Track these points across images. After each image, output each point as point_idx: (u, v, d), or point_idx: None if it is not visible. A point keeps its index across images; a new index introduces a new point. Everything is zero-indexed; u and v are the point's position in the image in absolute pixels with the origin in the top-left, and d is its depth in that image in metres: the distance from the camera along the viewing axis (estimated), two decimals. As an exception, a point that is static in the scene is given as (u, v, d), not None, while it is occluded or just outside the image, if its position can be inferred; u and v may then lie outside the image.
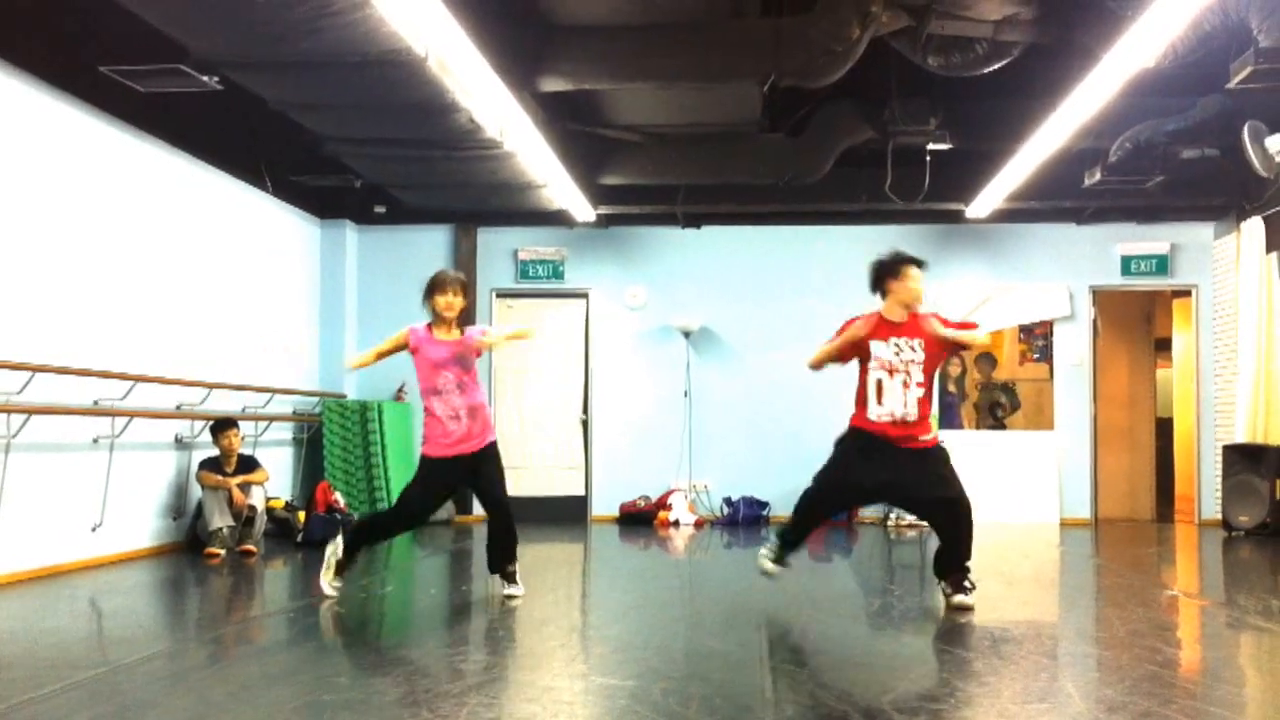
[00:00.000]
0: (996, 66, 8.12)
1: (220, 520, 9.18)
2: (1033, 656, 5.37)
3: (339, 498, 10.84)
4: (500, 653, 5.53)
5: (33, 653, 5.42)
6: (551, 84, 8.25)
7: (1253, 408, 11.30)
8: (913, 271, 6.64)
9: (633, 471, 12.69)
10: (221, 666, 5.30)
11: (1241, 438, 11.42)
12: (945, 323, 6.68)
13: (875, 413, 6.55)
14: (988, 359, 12.88)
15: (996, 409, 12.82)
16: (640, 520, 12.28)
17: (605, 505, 12.73)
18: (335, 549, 6.99)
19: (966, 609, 6.50)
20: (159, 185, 9.35)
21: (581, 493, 12.84)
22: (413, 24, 6.41)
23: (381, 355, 7.09)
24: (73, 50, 7.48)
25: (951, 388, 12.81)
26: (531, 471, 12.86)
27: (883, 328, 6.64)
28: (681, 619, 6.58)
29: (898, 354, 6.56)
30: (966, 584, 6.60)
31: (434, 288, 6.96)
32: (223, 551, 9.07)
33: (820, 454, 12.71)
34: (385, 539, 7.66)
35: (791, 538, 6.98)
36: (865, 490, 7.02)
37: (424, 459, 6.93)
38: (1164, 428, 13.81)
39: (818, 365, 6.90)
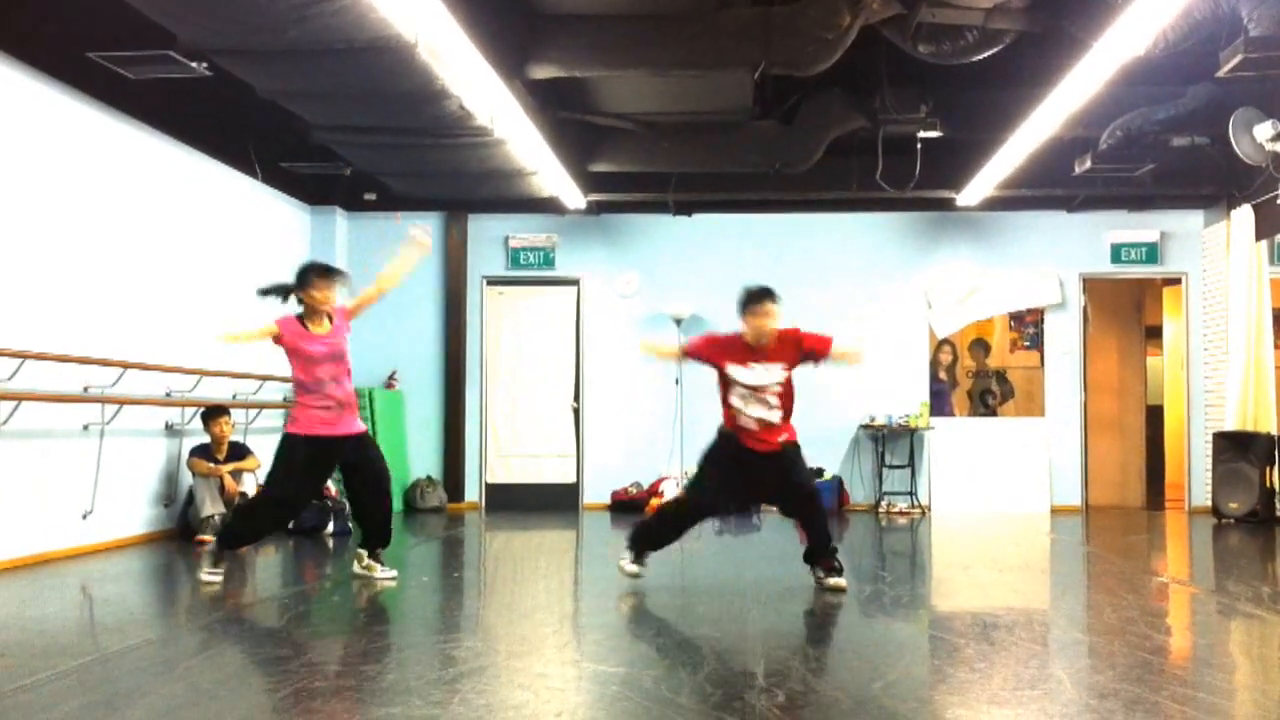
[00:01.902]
0: (987, 55, 8.10)
1: (211, 508, 9.17)
2: (1024, 643, 5.39)
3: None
4: (492, 640, 5.53)
5: (23, 641, 5.41)
6: (542, 71, 8.23)
7: (1242, 395, 11.33)
8: (768, 308, 6.85)
9: (624, 459, 12.70)
10: (212, 654, 5.30)
11: (1231, 425, 11.45)
12: (807, 339, 7.04)
13: (741, 420, 6.86)
14: (980, 346, 12.90)
15: (988, 396, 12.84)
16: (632, 508, 12.28)
17: (596, 493, 12.74)
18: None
19: (841, 590, 6.75)
20: (149, 172, 9.31)
21: (573, 480, 12.84)
22: (402, 10, 6.38)
23: (249, 340, 7.16)
24: (61, 36, 7.44)
25: (942, 375, 12.84)
26: (522, 459, 12.87)
27: (742, 352, 6.88)
28: (673, 606, 6.59)
29: (757, 378, 6.83)
30: (835, 564, 6.91)
31: (307, 280, 6.99)
32: (214, 539, 9.05)
33: (811, 442, 12.76)
34: (263, 534, 7.57)
35: (653, 545, 7.24)
36: (739, 498, 7.48)
37: (295, 438, 6.91)
38: (1154, 415, 13.85)
39: (650, 353, 7.36)
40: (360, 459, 7.06)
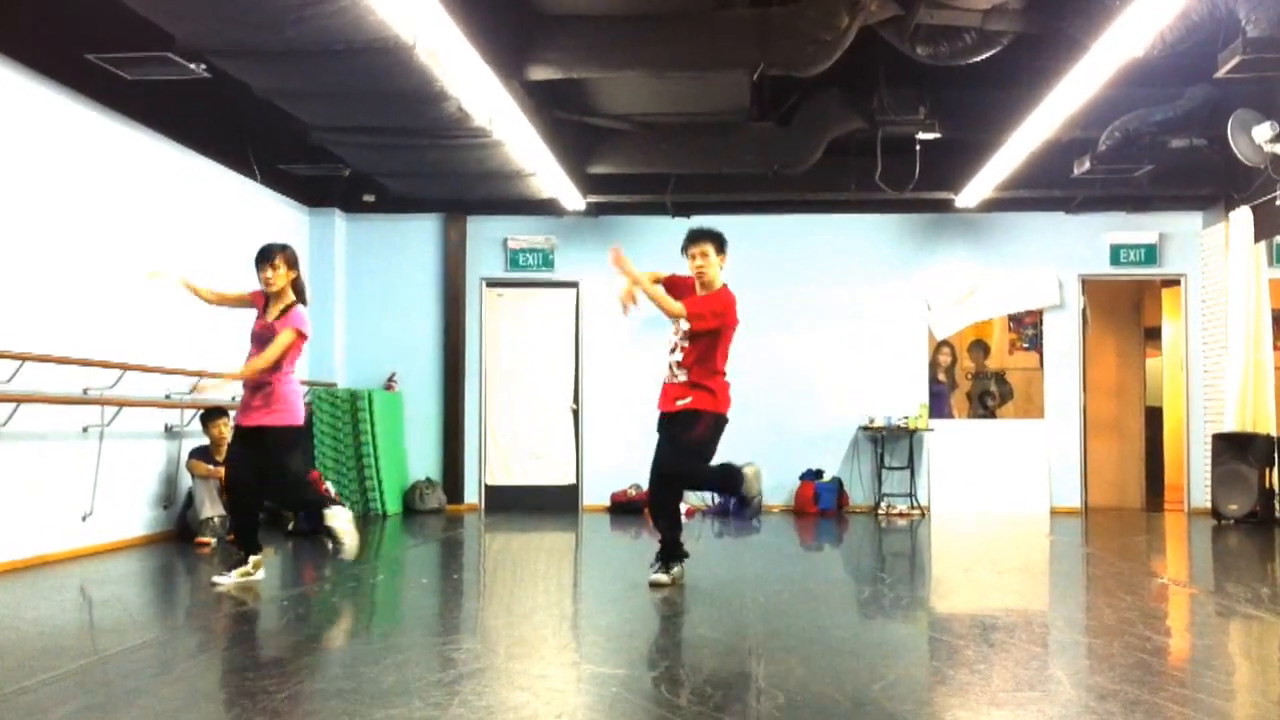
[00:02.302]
0: (985, 56, 8.11)
1: (211, 509, 9.17)
2: (1023, 644, 5.39)
3: (330, 487, 10.82)
4: (491, 641, 5.53)
5: (22, 642, 5.40)
6: (540, 72, 8.23)
7: (1241, 396, 11.33)
8: (691, 250, 7.14)
9: (624, 460, 12.68)
10: (211, 655, 5.29)
11: (1230, 426, 11.45)
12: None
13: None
14: (979, 347, 12.91)
15: (987, 398, 12.84)
16: (631, 509, 12.28)
17: (596, 494, 12.74)
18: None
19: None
20: (147, 173, 9.31)
21: (573, 482, 12.83)
22: (400, 12, 6.38)
23: (223, 300, 7.38)
24: (59, 37, 7.44)
25: (942, 377, 12.84)
26: (522, 461, 12.87)
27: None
28: (672, 608, 6.58)
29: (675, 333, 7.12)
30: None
31: (256, 261, 7.00)
32: (213, 541, 9.06)
33: (811, 443, 12.74)
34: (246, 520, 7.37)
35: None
36: None
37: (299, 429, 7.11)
38: (1153, 416, 13.84)
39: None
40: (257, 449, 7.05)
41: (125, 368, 8.60)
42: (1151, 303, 13.94)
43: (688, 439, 6.81)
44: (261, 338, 6.91)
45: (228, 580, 6.96)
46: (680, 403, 6.85)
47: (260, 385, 6.89)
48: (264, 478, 7.00)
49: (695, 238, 7.00)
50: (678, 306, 6.82)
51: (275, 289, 6.96)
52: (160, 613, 6.85)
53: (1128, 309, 13.64)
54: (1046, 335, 12.74)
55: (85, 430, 8.38)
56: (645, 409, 12.71)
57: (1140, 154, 10.15)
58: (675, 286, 7.05)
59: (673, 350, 7.04)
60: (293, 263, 7.07)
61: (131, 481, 9.07)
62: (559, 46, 8.14)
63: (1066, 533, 10.65)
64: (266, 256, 6.94)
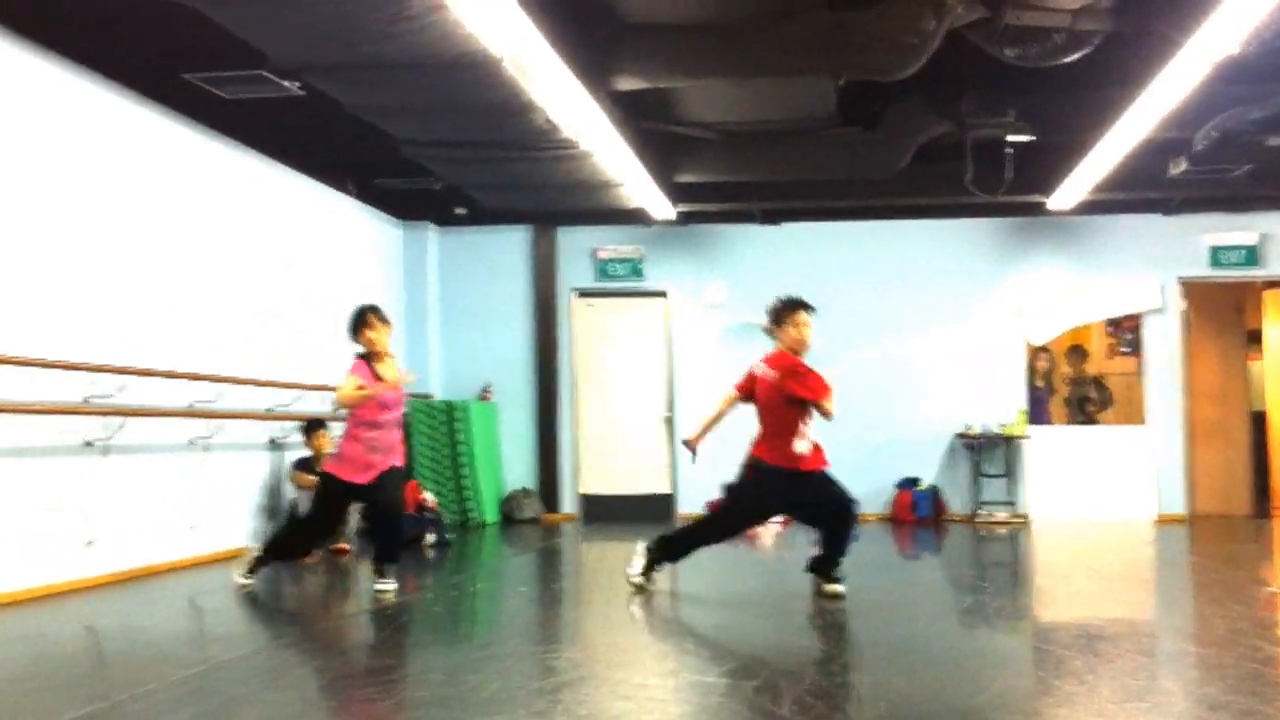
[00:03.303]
0: (1075, 56, 7.99)
1: (312, 520, 9.30)
2: (1130, 654, 5.29)
3: (428, 496, 10.93)
4: (591, 650, 5.56)
5: (133, 651, 5.54)
6: (626, 83, 8.26)
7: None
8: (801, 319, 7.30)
9: (719, 469, 12.61)
10: (316, 664, 5.39)
11: (1339, 430, 11.14)
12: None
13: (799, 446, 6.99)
14: (1077, 352, 12.70)
15: (1086, 404, 12.63)
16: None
17: (691, 503, 12.71)
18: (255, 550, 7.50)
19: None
20: (245, 191, 9.52)
21: (668, 491, 12.84)
22: (488, 26, 6.44)
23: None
24: (156, 58, 7.62)
25: (1039, 382, 12.65)
26: (616, 470, 12.90)
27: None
28: (770, 616, 6.56)
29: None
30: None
31: (361, 322, 7.16)
32: (317, 550, 9.20)
33: (907, 450, 12.63)
34: (296, 555, 7.79)
35: (675, 556, 7.33)
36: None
37: (332, 478, 7.08)
38: (1258, 421, 13.50)
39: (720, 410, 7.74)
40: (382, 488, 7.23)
41: (228, 381, 8.78)
42: (1253, 305, 13.60)
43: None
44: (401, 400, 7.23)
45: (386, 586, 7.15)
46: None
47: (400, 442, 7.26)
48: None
49: (804, 308, 7.30)
50: (829, 406, 7.06)
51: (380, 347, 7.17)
52: (266, 622, 6.97)
53: (1229, 311, 13.32)
54: (1146, 339, 12.50)
55: (190, 443, 8.57)
56: (738, 419, 12.73)
57: (1238, 153, 9.92)
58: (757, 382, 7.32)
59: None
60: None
61: (236, 493, 9.25)
62: (644, 56, 8.15)
63: (1171, 540, 10.43)
64: (376, 315, 7.17)
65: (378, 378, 6.98)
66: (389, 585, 7.07)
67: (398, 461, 7.18)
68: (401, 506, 7.59)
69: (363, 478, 6.93)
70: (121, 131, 8.01)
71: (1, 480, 6.80)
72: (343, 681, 4.88)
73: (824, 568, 6.89)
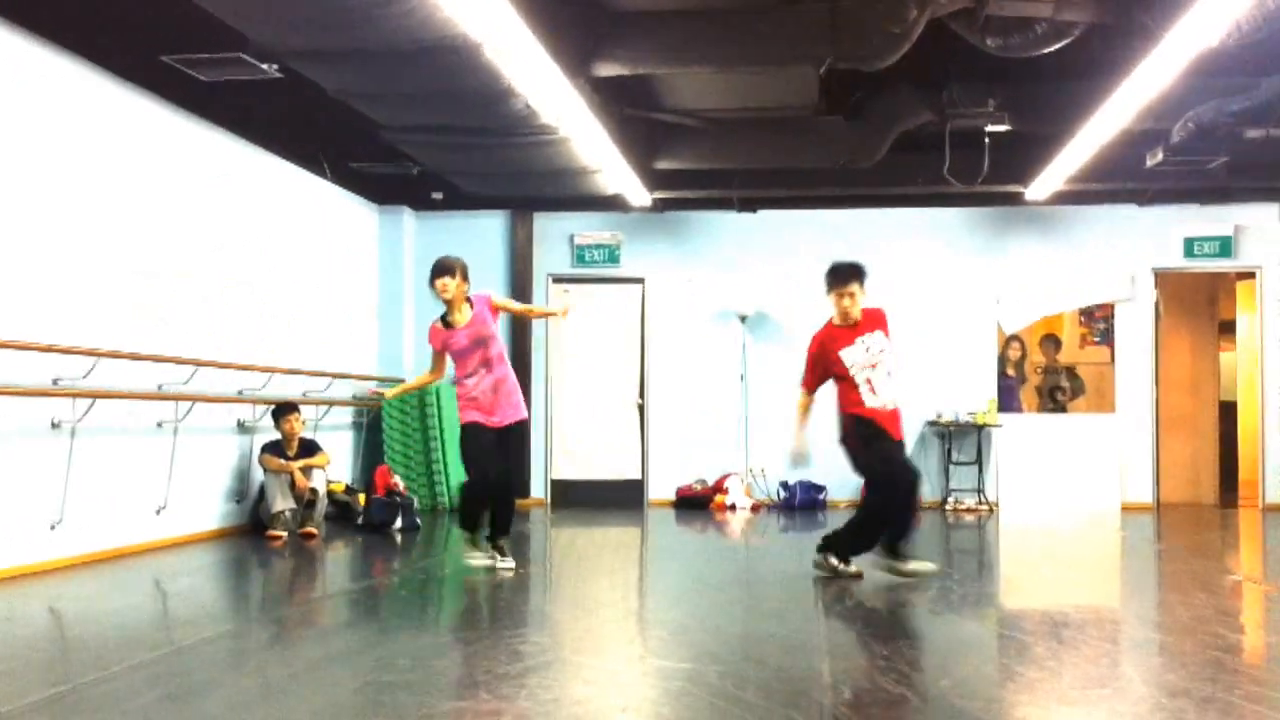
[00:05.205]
0: (1056, 47, 8.01)
1: (282, 503, 9.30)
2: (1094, 641, 5.33)
3: (399, 481, 10.93)
4: (558, 635, 5.57)
5: (100, 633, 5.52)
6: (607, 69, 8.24)
7: (1319, 391, 11.11)
8: (842, 290, 7.06)
9: (689, 455, 12.70)
10: (283, 647, 5.38)
11: (1308, 421, 11.23)
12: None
13: (872, 402, 6.83)
14: (1051, 342, 12.76)
15: (1057, 392, 12.70)
16: (697, 504, 12.30)
17: (661, 489, 12.76)
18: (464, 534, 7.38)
19: (917, 575, 6.82)
20: (219, 172, 9.47)
21: (638, 476, 12.87)
22: (468, 10, 6.42)
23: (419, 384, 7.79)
24: (135, 40, 7.57)
25: (1011, 371, 12.71)
26: (588, 455, 12.92)
27: (842, 335, 6.95)
28: (738, 603, 6.59)
29: (867, 350, 6.89)
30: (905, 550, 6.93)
31: (431, 274, 7.36)
32: (285, 534, 9.19)
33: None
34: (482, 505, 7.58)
35: (858, 548, 7.05)
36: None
37: (464, 425, 7.21)
38: (1227, 411, 13.60)
39: (803, 413, 7.17)
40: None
41: (198, 364, 8.74)
42: (1226, 296, 13.69)
43: None
44: (475, 338, 7.19)
45: (505, 564, 7.27)
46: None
47: (500, 384, 7.19)
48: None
49: (847, 277, 7.09)
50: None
51: (447, 295, 7.28)
52: (234, 605, 6.97)
53: (1201, 302, 13.41)
54: (1118, 329, 12.57)
55: (159, 426, 8.54)
56: (710, 404, 12.82)
57: (1215, 145, 9.96)
58: (817, 353, 7.05)
59: (874, 370, 6.91)
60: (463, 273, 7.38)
61: (204, 476, 9.22)
62: (626, 43, 8.14)
63: (1138, 529, 10.50)
64: (444, 268, 7.31)
65: (448, 327, 7.26)
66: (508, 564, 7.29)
67: (505, 418, 7.22)
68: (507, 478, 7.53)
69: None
70: (97, 112, 7.95)
71: (-31, 460, 6.77)
72: (309, 665, 4.88)
73: (893, 546, 6.96)
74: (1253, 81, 9.12)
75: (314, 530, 9.38)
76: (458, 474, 12.07)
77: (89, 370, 7.54)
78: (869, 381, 6.84)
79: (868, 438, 6.86)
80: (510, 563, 7.28)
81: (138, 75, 8.20)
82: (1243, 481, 13.15)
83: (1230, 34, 7.13)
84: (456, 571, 7.99)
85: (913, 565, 6.88)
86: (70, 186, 7.68)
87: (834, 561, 6.99)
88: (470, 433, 7.13)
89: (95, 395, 7.58)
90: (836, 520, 11.05)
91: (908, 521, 6.97)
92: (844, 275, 7.08)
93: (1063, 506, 12.15)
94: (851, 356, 6.87)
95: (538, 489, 12.87)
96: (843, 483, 12.23)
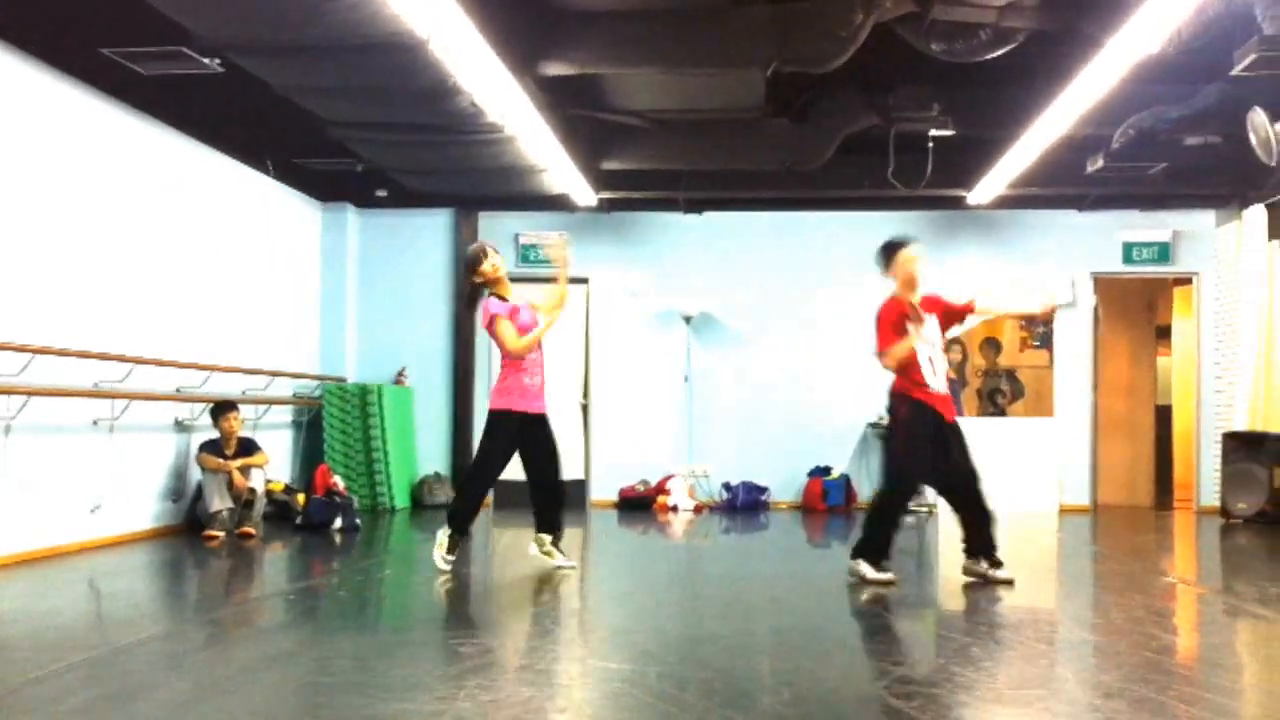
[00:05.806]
0: (1000, 53, 8.09)
1: (220, 503, 9.19)
2: (1030, 643, 5.38)
3: (338, 481, 10.84)
4: (498, 636, 5.54)
5: (32, 634, 5.43)
6: (554, 68, 8.23)
7: (1253, 395, 11.30)
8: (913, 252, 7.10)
9: (632, 456, 12.70)
10: (220, 648, 5.32)
11: (1241, 425, 11.42)
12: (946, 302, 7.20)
13: (932, 382, 6.83)
14: (991, 345, 12.88)
15: (997, 396, 12.82)
16: (639, 505, 12.30)
17: (604, 490, 12.74)
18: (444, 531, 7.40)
19: (1007, 583, 6.89)
20: (160, 167, 9.35)
21: (581, 477, 12.83)
22: (415, 7, 6.39)
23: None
24: (73, 32, 7.46)
25: (952, 374, 12.78)
26: (531, 456, 12.84)
27: (913, 310, 6.98)
28: (679, 604, 6.60)
29: (928, 331, 6.92)
30: (997, 557, 7.03)
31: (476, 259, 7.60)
32: (222, 534, 9.08)
33: (820, 439, 12.74)
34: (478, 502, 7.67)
35: (881, 546, 6.96)
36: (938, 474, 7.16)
37: (507, 414, 7.49)
38: (1164, 415, 13.81)
39: (900, 358, 6.90)
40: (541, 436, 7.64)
41: (135, 361, 8.63)
42: (1164, 301, 13.90)
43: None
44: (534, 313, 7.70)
45: (565, 562, 7.46)
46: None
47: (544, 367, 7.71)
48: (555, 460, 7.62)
49: (906, 241, 7.32)
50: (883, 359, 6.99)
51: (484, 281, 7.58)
52: (169, 606, 6.88)
53: (1140, 307, 13.61)
54: (1058, 333, 12.71)
55: (95, 423, 8.42)
56: (654, 405, 12.82)
57: (1154, 152, 10.11)
58: (901, 324, 6.97)
59: (935, 350, 6.93)
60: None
61: (141, 475, 9.10)
62: (573, 42, 8.13)
63: (1075, 531, 10.62)
64: (493, 249, 7.64)
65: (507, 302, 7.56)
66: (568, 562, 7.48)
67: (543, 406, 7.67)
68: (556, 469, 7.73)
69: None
70: (33, 106, 7.82)
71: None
72: (247, 666, 4.82)
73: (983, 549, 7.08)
74: (1192, 89, 9.26)
75: (252, 530, 9.28)
76: (401, 474, 12.02)
77: (23, 367, 7.41)
78: (931, 360, 6.84)
79: (914, 439, 6.82)
80: (571, 562, 7.56)
81: (76, 68, 8.08)
82: (1178, 484, 13.35)
83: (1171, 41, 7.23)
84: (397, 573, 7.94)
85: (1001, 573, 6.99)
86: (3, 180, 7.54)
87: (862, 569, 6.87)
88: (506, 426, 7.53)
89: (29, 392, 7.46)
90: (779, 520, 11.12)
91: (986, 524, 7.14)
92: (901, 241, 7.26)
93: (1001, 508, 12.20)
94: (923, 331, 6.87)
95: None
96: (785, 484, 12.33)
